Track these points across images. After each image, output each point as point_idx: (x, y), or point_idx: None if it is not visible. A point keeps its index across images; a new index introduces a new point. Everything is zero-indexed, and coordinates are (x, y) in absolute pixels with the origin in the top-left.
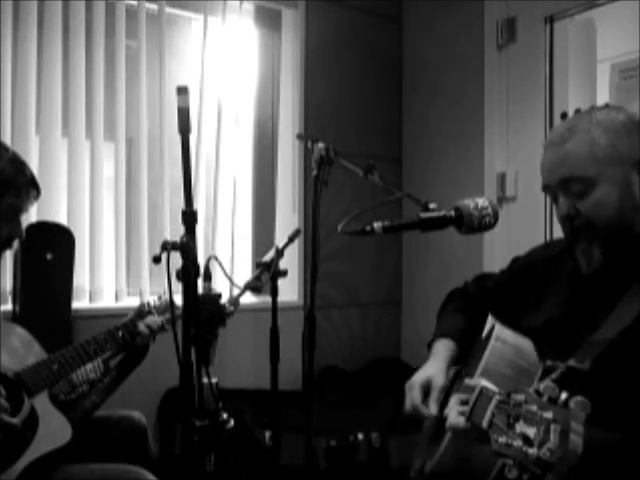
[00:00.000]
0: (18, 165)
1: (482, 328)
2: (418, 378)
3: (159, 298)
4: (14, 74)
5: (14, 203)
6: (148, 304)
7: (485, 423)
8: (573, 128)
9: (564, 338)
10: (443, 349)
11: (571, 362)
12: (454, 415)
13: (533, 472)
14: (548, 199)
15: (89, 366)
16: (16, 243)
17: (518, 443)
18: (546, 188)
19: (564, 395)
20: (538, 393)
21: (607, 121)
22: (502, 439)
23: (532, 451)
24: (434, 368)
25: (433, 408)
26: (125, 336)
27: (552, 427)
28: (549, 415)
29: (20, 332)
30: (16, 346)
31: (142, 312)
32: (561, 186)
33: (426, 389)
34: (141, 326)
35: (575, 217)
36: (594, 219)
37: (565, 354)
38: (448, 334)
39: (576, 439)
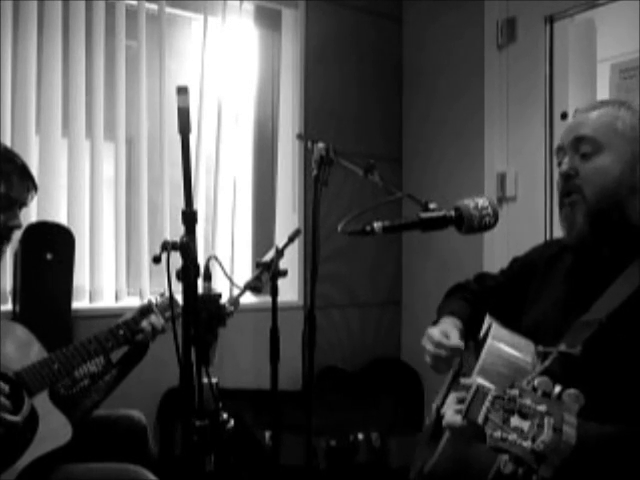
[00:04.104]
0: (6, 155)
1: (480, 325)
2: (434, 329)
3: (161, 295)
4: (14, 74)
5: (7, 192)
6: (150, 302)
7: (480, 419)
8: (605, 102)
9: (557, 326)
10: (450, 321)
11: (562, 347)
12: (451, 413)
13: (528, 465)
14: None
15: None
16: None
17: (512, 437)
18: (559, 150)
19: (557, 388)
20: (533, 388)
21: (638, 108)
22: (497, 434)
23: (526, 444)
24: (445, 324)
25: (456, 340)
26: (126, 334)
27: (546, 420)
28: (543, 408)
29: (20, 331)
30: (16, 345)
31: (144, 310)
32: (573, 145)
33: (444, 334)
34: (144, 323)
35: (572, 177)
36: (588, 184)
37: (557, 339)
38: (454, 313)
39: (569, 430)
